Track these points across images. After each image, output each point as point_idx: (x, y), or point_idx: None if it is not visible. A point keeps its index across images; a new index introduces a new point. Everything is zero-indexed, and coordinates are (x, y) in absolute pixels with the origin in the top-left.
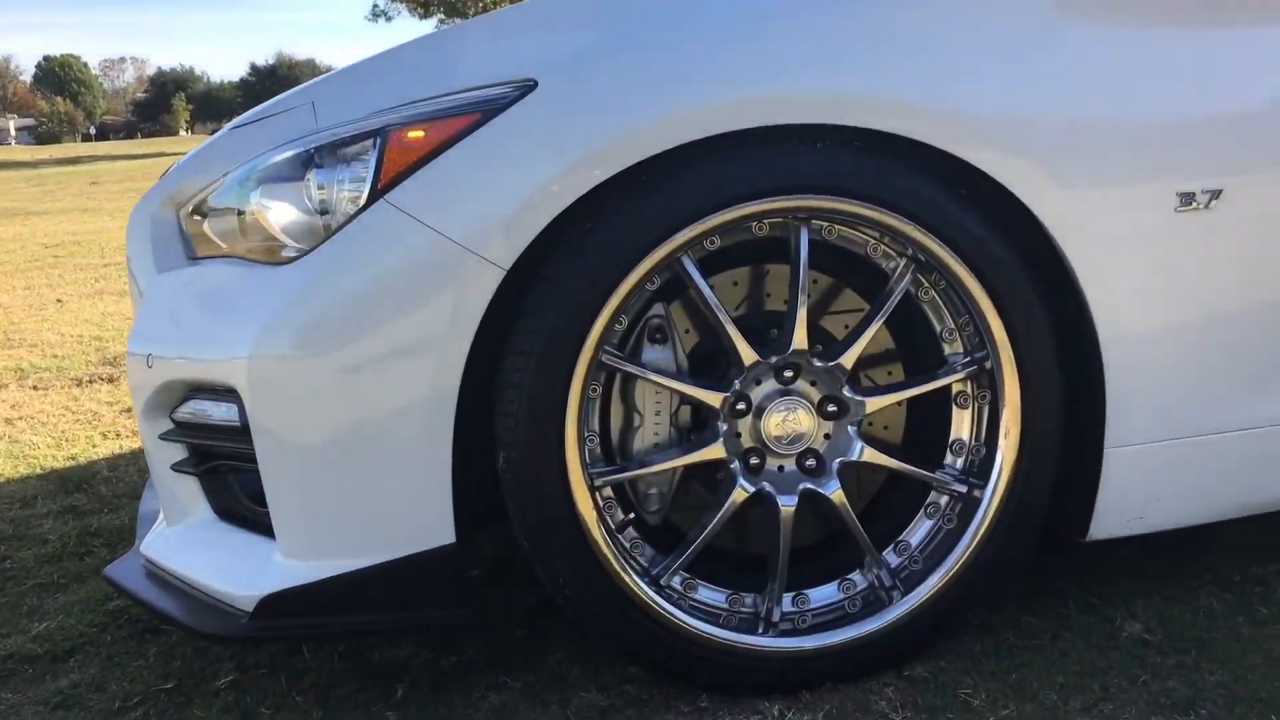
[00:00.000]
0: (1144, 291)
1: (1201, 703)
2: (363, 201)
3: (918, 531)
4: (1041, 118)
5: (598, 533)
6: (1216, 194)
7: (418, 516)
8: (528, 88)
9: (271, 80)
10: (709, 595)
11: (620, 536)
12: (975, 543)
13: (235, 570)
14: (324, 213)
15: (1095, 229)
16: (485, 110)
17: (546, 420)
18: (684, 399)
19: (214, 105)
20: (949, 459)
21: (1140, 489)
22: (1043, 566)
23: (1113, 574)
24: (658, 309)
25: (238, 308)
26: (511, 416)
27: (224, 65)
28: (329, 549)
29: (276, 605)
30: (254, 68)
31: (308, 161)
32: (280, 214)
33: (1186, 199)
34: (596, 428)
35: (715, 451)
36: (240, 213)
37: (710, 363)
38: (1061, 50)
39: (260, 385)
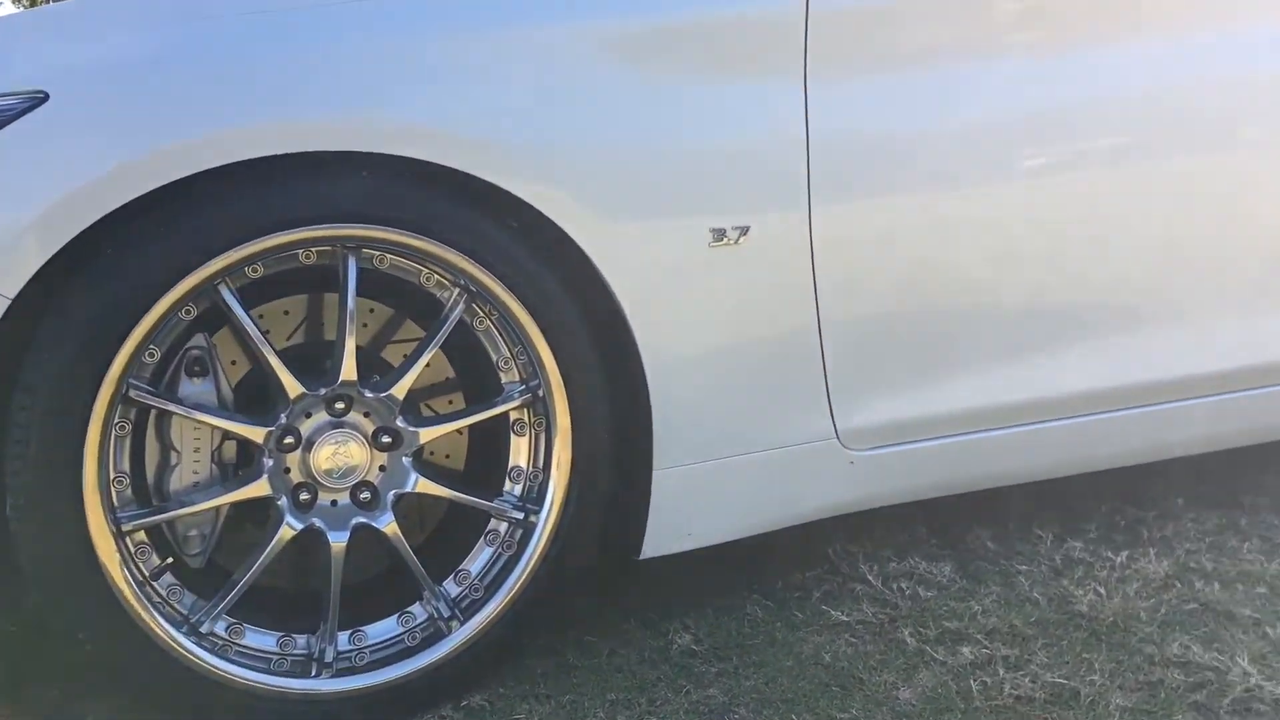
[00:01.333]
0: (684, 322)
1: (736, 707)
2: None
3: (478, 559)
4: (585, 154)
5: (123, 582)
6: (745, 230)
7: None
8: (37, 100)
9: None
10: (258, 640)
11: (155, 585)
12: (532, 567)
13: None
14: None
15: (638, 263)
16: None
17: (59, 463)
18: (226, 435)
19: None
20: (508, 486)
21: (688, 508)
22: (610, 586)
23: (671, 588)
24: (198, 339)
25: None
26: (19, 459)
27: None
28: None
29: None
30: None
31: None
32: None
33: (719, 234)
34: (128, 468)
35: (260, 489)
36: None
37: (262, 395)
38: (606, 92)
39: None
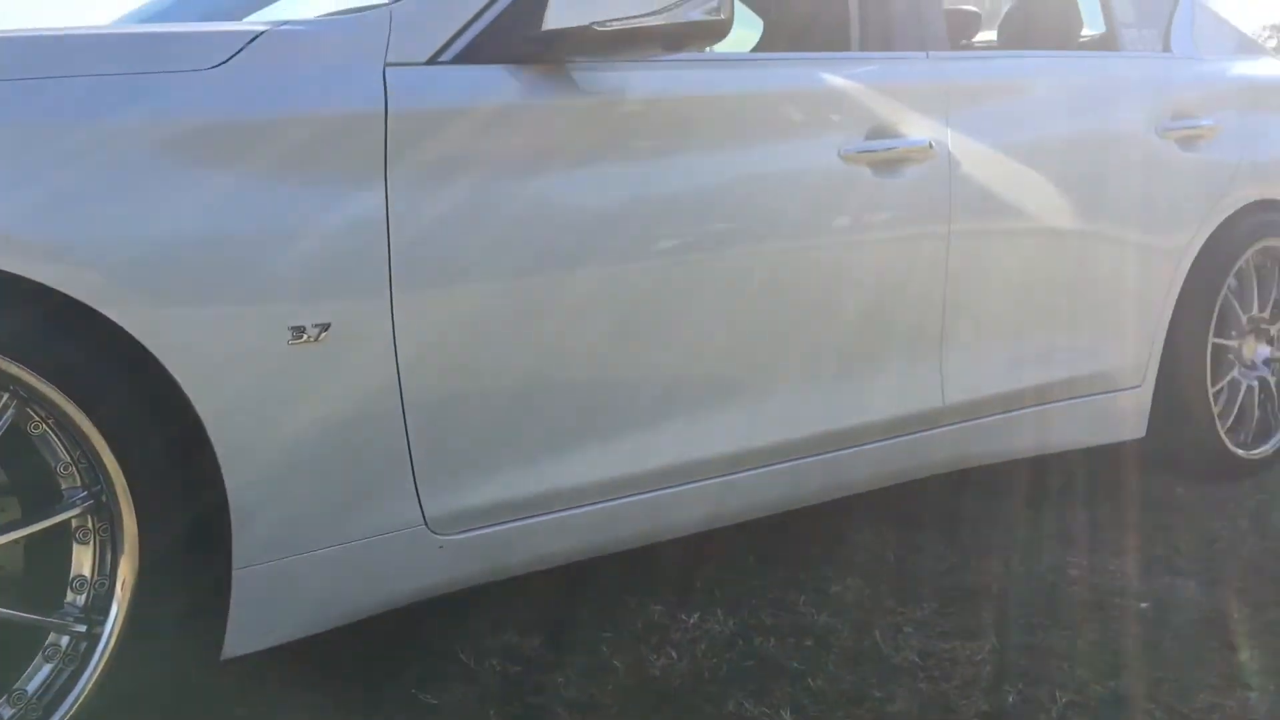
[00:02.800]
0: (263, 419)
1: None
2: None
3: (36, 677)
4: (150, 251)
5: None
6: (325, 326)
7: None
8: None
9: None
10: None
11: None
12: (96, 680)
13: None
14: None
15: (212, 361)
16: None
17: None
18: None
19: None
20: (70, 596)
21: (273, 604)
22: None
23: (257, 681)
24: None
25: None
26: None
27: None
28: None
29: None
30: None
31: None
32: None
33: (298, 332)
34: None
35: None
36: None
37: None
38: (159, 187)
39: None
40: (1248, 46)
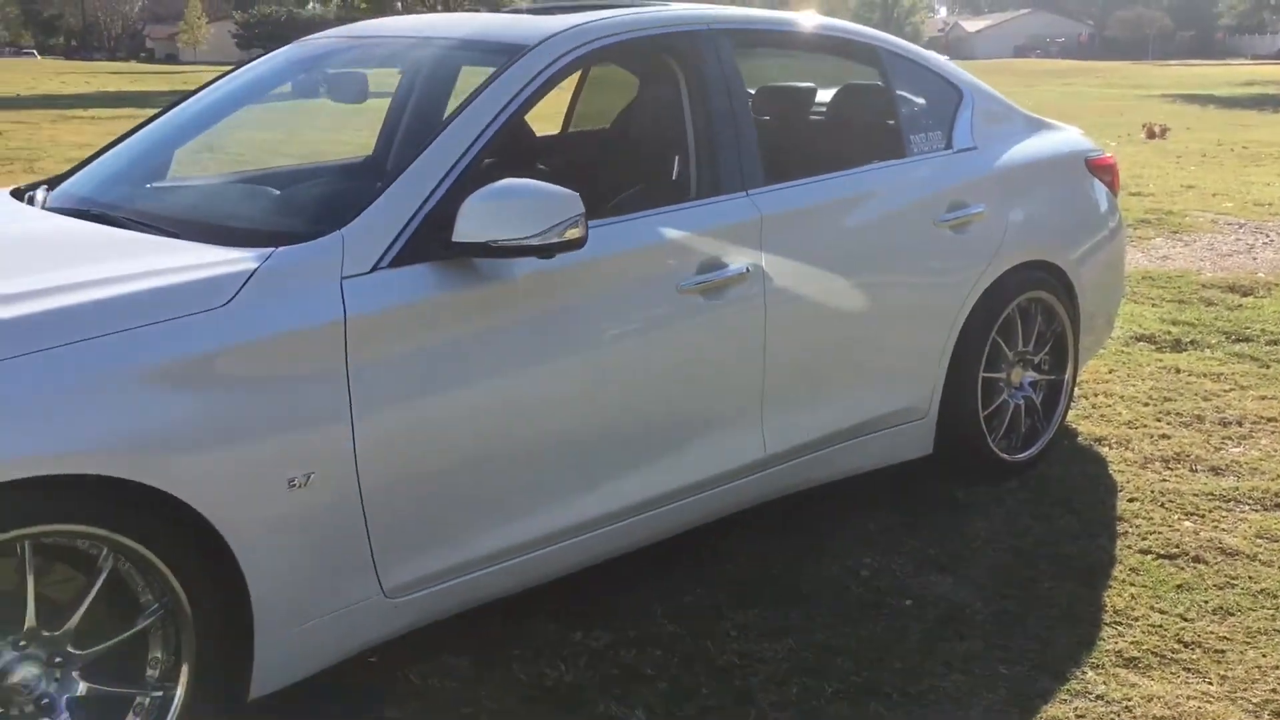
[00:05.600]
0: (272, 543)
1: None
2: None
3: None
4: (192, 443)
5: None
6: (310, 475)
7: None
8: None
9: None
10: None
11: None
12: None
13: None
14: None
15: (238, 510)
16: None
17: None
18: None
19: None
20: (149, 672)
21: (279, 659)
22: None
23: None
24: None
25: None
26: None
27: None
28: None
29: None
30: None
31: None
32: None
33: (292, 481)
34: None
35: None
36: None
37: None
38: (201, 399)
39: None
40: (1029, 126)
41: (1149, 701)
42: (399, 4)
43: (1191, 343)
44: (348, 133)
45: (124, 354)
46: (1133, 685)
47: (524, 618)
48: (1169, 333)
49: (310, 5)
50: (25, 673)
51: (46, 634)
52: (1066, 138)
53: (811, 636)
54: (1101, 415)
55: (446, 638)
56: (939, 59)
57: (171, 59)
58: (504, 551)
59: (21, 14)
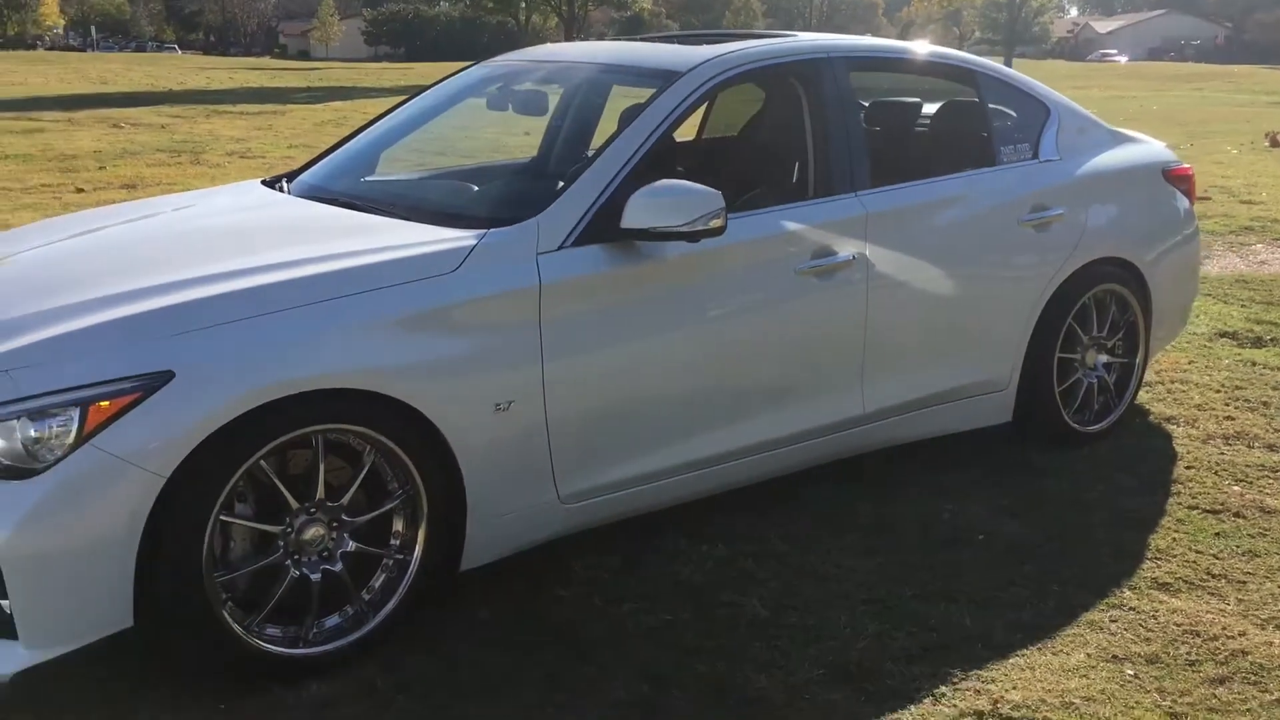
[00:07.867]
0: (484, 451)
1: None
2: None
3: (379, 579)
4: (443, 369)
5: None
6: (511, 402)
7: None
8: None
9: None
10: (272, 631)
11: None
12: (408, 583)
13: None
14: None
15: (460, 424)
16: None
17: None
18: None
19: None
20: (393, 541)
21: (484, 539)
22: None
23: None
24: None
25: None
26: None
27: None
28: None
29: None
30: None
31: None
32: None
33: (503, 405)
34: None
35: (278, 556)
36: None
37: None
38: (480, 343)
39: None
40: (1111, 140)
41: (1173, 614)
42: (523, 3)
43: (1272, 340)
44: (503, 137)
45: (382, 305)
46: (1161, 602)
47: (660, 533)
48: (1252, 330)
49: (439, 4)
50: (315, 531)
51: (330, 505)
52: (1147, 150)
53: (897, 557)
54: (1175, 399)
55: (601, 541)
56: (1032, 82)
57: (304, 55)
58: (652, 474)
59: (165, 10)
